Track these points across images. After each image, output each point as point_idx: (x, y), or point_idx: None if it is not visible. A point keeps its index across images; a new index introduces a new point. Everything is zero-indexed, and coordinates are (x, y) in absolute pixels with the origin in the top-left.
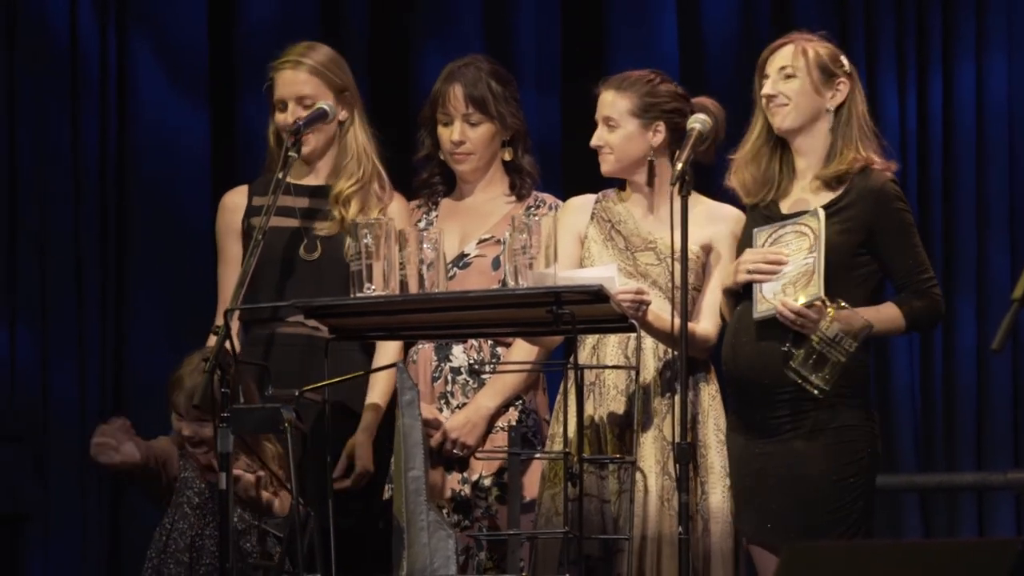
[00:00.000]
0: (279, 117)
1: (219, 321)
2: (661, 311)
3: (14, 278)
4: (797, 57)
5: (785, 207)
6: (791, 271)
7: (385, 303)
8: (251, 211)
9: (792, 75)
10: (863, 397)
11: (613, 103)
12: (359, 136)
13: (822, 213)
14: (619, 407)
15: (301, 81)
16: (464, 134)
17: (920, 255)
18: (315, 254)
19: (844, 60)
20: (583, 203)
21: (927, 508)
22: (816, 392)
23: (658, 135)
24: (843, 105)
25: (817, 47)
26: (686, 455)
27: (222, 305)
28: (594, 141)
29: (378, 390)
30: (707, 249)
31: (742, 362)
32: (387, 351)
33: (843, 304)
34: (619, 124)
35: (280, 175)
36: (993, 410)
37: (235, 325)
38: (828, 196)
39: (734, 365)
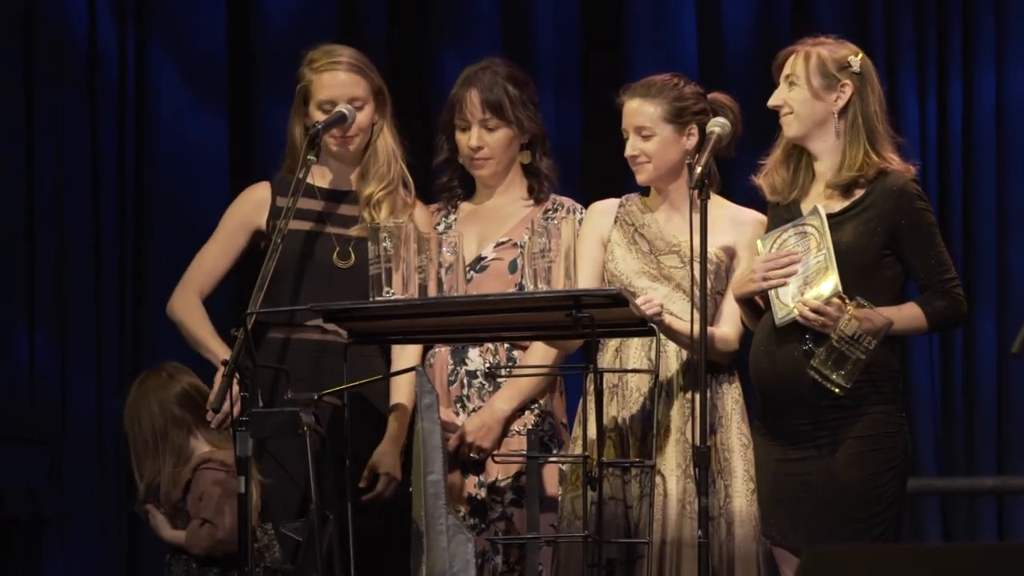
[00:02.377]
0: (322, 118)
1: (179, 292)
2: (683, 314)
3: (32, 283)
4: (798, 64)
5: (806, 208)
6: (804, 272)
7: (404, 307)
8: (275, 212)
9: (794, 83)
10: (895, 402)
11: (644, 111)
12: (388, 139)
13: (822, 210)
14: (642, 410)
15: (352, 82)
16: (482, 139)
17: (943, 255)
18: (349, 261)
19: (853, 60)
20: (607, 207)
21: (948, 512)
22: (837, 390)
23: (691, 138)
24: (847, 107)
25: (821, 51)
26: (705, 459)
27: (197, 278)
28: (629, 152)
29: (403, 394)
30: (730, 253)
31: (769, 369)
32: (406, 354)
33: (863, 302)
34: (654, 132)
35: (299, 178)
36: (1013, 414)
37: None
38: (844, 200)
39: (762, 372)
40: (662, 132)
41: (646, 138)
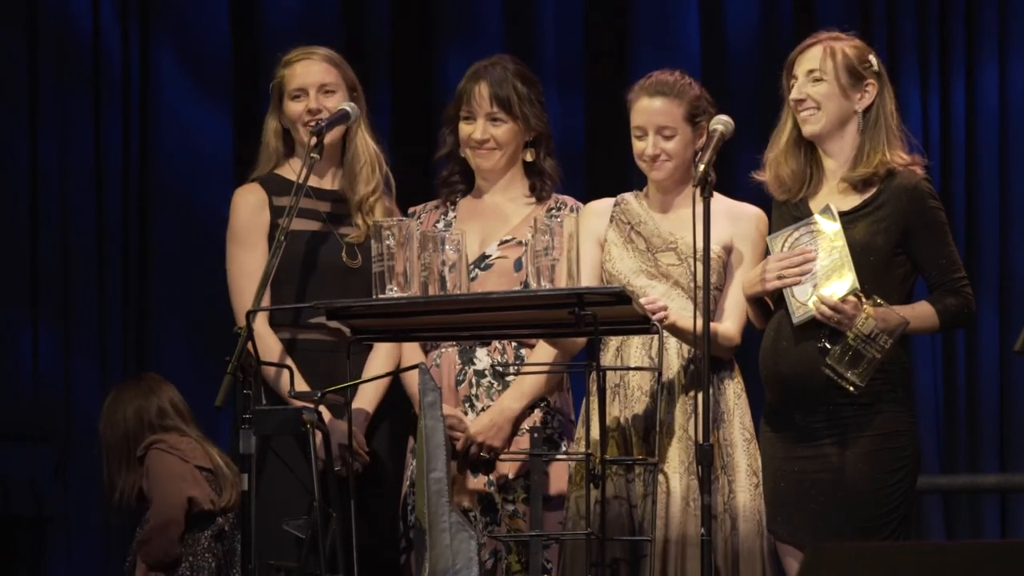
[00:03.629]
0: (295, 106)
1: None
2: (682, 311)
3: (36, 281)
4: (825, 60)
5: (815, 206)
6: (818, 270)
7: (408, 305)
8: (277, 211)
9: (820, 79)
10: (907, 401)
11: (669, 111)
12: (368, 140)
13: (835, 208)
14: (644, 408)
15: (321, 70)
16: (487, 132)
17: (953, 254)
18: (357, 261)
19: (872, 59)
20: (601, 208)
21: (950, 510)
22: (851, 388)
23: (702, 138)
24: (871, 107)
25: (845, 47)
26: (708, 456)
27: (251, 296)
28: (651, 151)
29: (365, 398)
30: (728, 248)
31: (783, 367)
32: (381, 349)
33: (879, 301)
34: (676, 132)
35: (302, 179)
36: (1016, 412)
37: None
38: (855, 198)
39: (775, 369)
40: (683, 132)
41: (668, 138)
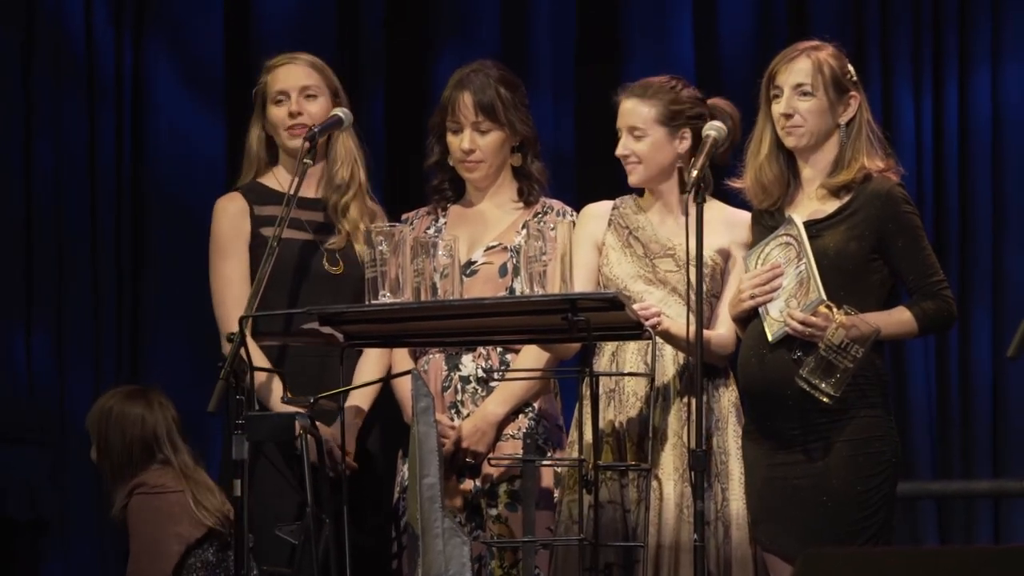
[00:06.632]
0: (277, 111)
1: (230, 323)
2: (679, 318)
3: (31, 284)
4: (815, 75)
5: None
6: (789, 284)
7: (401, 310)
8: (258, 220)
9: (809, 93)
10: (883, 406)
11: (638, 112)
12: (349, 144)
13: (798, 219)
14: (639, 414)
15: (303, 73)
16: (474, 142)
17: (930, 258)
18: (337, 268)
19: (850, 68)
20: (600, 211)
21: (943, 515)
22: (826, 400)
23: (684, 142)
24: (853, 118)
25: (829, 60)
26: (701, 463)
27: (232, 304)
28: (620, 151)
29: (362, 399)
30: (725, 255)
31: (758, 375)
32: (372, 353)
33: (850, 310)
34: (646, 133)
35: (294, 187)
36: (1009, 417)
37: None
38: (833, 203)
39: (750, 378)
40: (654, 134)
41: (638, 139)
